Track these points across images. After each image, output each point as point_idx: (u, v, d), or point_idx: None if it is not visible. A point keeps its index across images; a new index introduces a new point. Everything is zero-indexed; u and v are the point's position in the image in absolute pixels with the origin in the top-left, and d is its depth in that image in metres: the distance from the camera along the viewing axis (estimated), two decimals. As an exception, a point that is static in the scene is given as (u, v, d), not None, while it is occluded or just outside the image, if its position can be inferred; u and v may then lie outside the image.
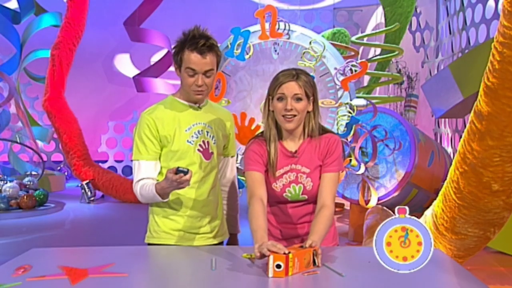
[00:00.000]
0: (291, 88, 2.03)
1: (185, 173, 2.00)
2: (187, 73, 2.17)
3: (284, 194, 2.15)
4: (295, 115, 2.05)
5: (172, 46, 2.24)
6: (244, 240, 2.54)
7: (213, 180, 2.32)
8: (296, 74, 2.06)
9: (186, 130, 2.25)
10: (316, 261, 1.81)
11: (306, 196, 2.15)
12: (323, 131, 2.18)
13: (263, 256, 1.77)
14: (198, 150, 2.26)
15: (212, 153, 2.30)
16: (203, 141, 2.27)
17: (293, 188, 2.14)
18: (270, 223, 2.23)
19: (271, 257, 1.71)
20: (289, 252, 1.72)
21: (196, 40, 2.14)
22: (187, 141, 2.24)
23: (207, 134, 2.29)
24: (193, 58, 2.14)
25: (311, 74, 2.88)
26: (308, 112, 2.10)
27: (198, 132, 2.27)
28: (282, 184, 2.15)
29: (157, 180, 2.21)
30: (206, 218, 2.31)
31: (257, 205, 2.03)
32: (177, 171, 2.00)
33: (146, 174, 2.21)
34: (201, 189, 2.27)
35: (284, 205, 2.18)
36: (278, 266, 1.70)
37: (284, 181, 2.14)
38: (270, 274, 1.71)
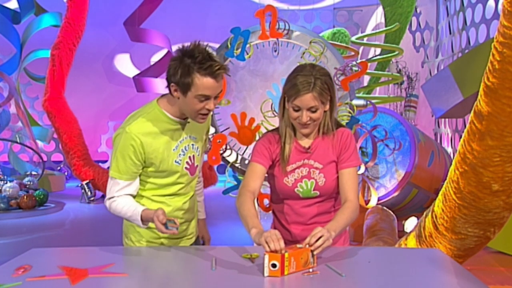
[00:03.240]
0: (307, 101, 2.00)
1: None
2: (198, 99, 2.00)
3: (295, 189, 2.14)
4: (310, 124, 2.06)
5: (172, 64, 2.08)
6: (244, 240, 2.53)
7: (194, 187, 2.34)
8: (313, 81, 2.00)
9: (173, 149, 2.16)
10: (313, 259, 1.80)
11: (318, 192, 2.13)
12: (337, 125, 2.17)
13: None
14: (186, 168, 2.21)
15: (197, 166, 2.27)
16: (189, 157, 2.21)
17: (305, 183, 2.13)
18: (279, 223, 2.23)
19: (266, 256, 1.71)
20: (285, 252, 1.72)
21: (209, 64, 1.96)
22: (175, 161, 2.17)
23: (193, 147, 2.23)
24: (207, 83, 1.97)
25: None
26: (324, 111, 2.09)
27: (185, 148, 2.20)
28: (294, 179, 2.13)
29: (136, 196, 2.18)
30: (188, 222, 2.33)
31: (246, 195, 2.04)
32: (166, 226, 1.99)
33: (121, 193, 2.13)
34: (183, 199, 2.27)
35: (295, 203, 2.16)
36: (274, 266, 1.70)
37: (296, 175, 2.13)
38: (266, 274, 1.71)
